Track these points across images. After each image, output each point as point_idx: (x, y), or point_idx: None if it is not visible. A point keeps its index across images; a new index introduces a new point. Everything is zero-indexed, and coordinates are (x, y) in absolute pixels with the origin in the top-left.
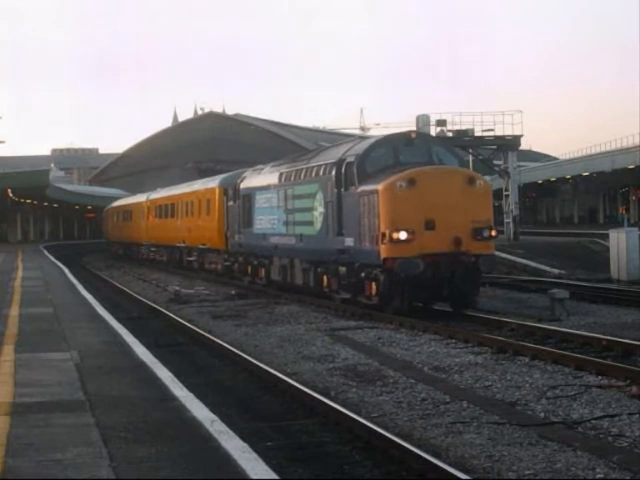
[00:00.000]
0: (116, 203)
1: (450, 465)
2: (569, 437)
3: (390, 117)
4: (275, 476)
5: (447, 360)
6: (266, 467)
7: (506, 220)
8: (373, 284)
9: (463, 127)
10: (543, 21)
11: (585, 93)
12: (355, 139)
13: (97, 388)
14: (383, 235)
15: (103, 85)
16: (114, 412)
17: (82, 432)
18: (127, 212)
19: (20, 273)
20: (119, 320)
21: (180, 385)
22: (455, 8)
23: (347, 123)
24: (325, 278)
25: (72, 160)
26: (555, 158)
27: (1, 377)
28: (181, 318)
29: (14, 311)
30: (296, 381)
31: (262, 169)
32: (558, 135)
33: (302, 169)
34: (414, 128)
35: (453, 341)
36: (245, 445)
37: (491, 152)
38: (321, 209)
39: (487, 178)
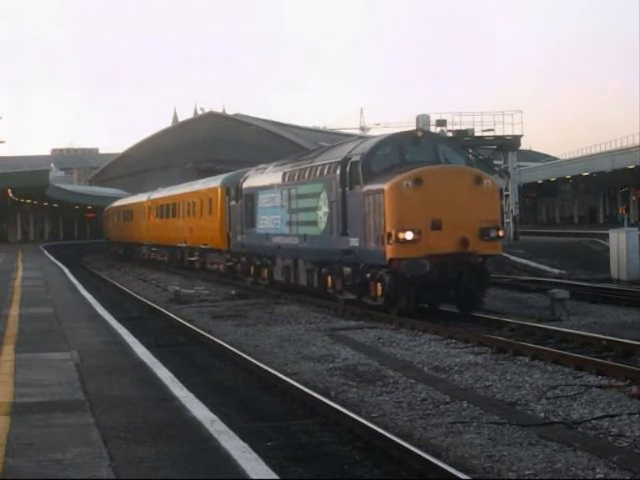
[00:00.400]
0: (117, 203)
1: (450, 465)
2: (569, 437)
3: (390, 117)
4: (275, 476)
5: (447, 360)
6: (266, 467)
7: (506, 220)
8: (378, 285)
9: (463, 127)
10: (543, 21)
11: (585, 93)
12: (356, 139)
13: (97, 388)
14: (389, 235)
15: (103, 85)
16: (114, 412)
17: (82, 432)
18: (128, 212)
19: (20, 273)
20: (119, 320)
21: (180, 385)
22: (455, 8)
23: (347, 123)
24: (329, 279)
25: (72, 160)
26: (555, 158)
27: (1, 377)
28: (181, 318)
29: (14, 311)
30: (296, 381)
31: (265, 168)
32: (558, 135)
33: (306, 168)
34: (414, 128)
35: (453, 341)
36: (245, 445)
37: (491, 152)
38: (325, 209)
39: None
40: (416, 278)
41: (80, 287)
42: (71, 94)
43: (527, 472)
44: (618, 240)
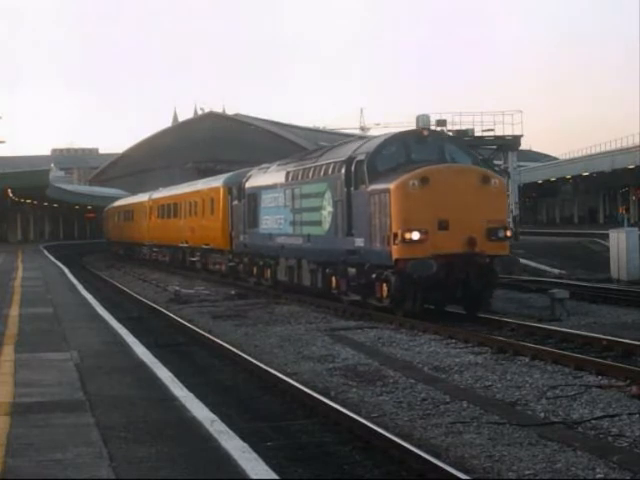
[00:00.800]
0: (117, 203)
1: (450, 465)
2: (569, 437)
3: (390, 117)
4: (275, 476)
5: (447, 360)
6: (266, 467)
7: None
8: (384, 286)
9: (463, 127)
10: (543, 21)
11: (585, 93)
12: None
13: (97, 388)
14: (395, 235)
15: (103, 85)
16: (114, 412)
17: (82, 432)
18: (129, 212)
19: (20, 273)
20: (119, 320)
21: (180, 385)
22: (455, 8)
23: (347, 123)
24: (334, 279)
25: (72, 160)
26: (555, 158)
27: (1, 377)
28: (181, 318)
29: (14, 311)
30: (296, 381)
31: (268, 168)
32: (558, 135)
33: (310, 168)
34: (414, 128)
35: (453, 341)
36: (245, 445)
37: (491, 152)
38: (330, 208)
39: None
40: (422, 279)
41: (80, 287)
42: (71, 94)
43: (527, 472)
44: (618, 240)
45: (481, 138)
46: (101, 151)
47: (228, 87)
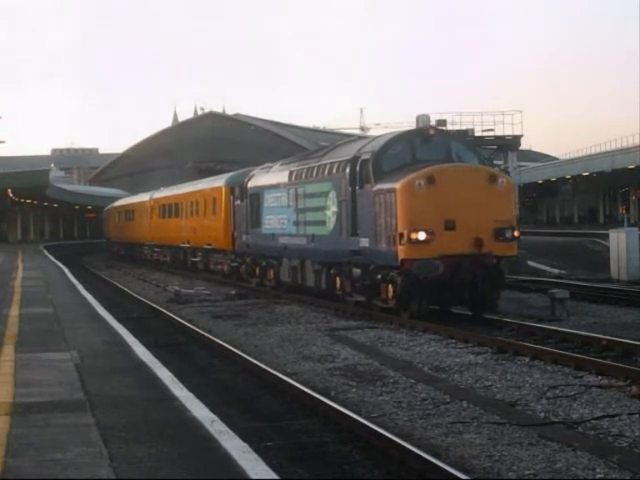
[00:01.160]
0: (118, 202)
1: (450, 465)
2: (569, 437)
3: (390, 117)
4: (275, 476)
5: (447, 360)
6: (266, 467)
7: None
8: (390, 287)
9: (463, 127)
10: (543, 21)
11: (585, 93)
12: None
13: (97, 388)
14: (401, 235)
15: (103, 85)
16: (114, 412)
17: (82, 432)
18: (129, 212)
19: (20, 273)
20: (119, 320)
21: (180, 385)
22: (455, 8)
23: (347, 123)
24: (338, 280)
25: (72, 160)
26: (555, 158)
27: (1, 377)
28: (181, 318)
29: (14, 311)
30: (296, 381)
31: (271, 167)
32: (558, 135)
33: (314, 167)
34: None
35: (453, 341)
36: (245, 445)
37: (491, 152)
38: (334, 208)
39: None
40: (429, 280)
41: (80, 287)
42: (71, 94)
43: (527, 472)
44: (618, 240)
45: (481, 138)
46: (101, 151)
47: (228, 87)
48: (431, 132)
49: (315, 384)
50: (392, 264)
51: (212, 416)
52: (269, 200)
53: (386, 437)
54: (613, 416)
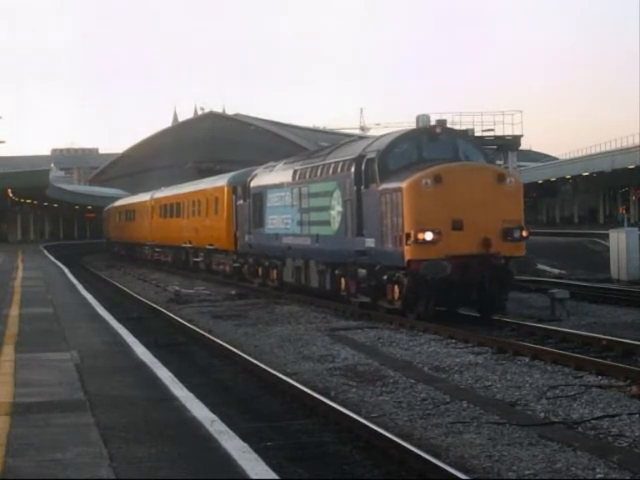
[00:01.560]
0: (118, 202)
1: (450, 465)
2: (569, 437)
3: (390, 117)
4: (275, 476)
5: (447, 360)
6: (266, 467)
7: None
8: (396, 287)
9: (463, 127)
10: (543, 21)
11: (585, 93)
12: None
13: (97, 388)
14: (407, 235)
15: (103, 85)
16: (114, 412)
17: (82, 432)
18: (130, 211)
19: (20, 273)
20: (119, 320)
21: (180, 385)
22: (455, 8)
23: (347, 123)
24: (343, 281)
25: (72, 160)
26: (555, 158)
27: (1, 377)
28: (181, 318)
29: (14, 311)
30: (296, 381)
31: (274, 167)
32: (558, 135)
33: (318, 166)
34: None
35: (453, 341)
36: (245, 445)
37: (491, 152)
38: (339, 208)
39: None
40: (436, 281)
41: (80, 287)
42: (71, 94)
43: (527, 472)
44: (618, 240)
45: (481, 138)
46: (101, 151)
47: (228, 87)
48: (438, 131)
49: (315, 384)
50: (398, 265)
51: (212, 416)
52: (272, 200)
53: (386, 437)
54: (613, 416)
